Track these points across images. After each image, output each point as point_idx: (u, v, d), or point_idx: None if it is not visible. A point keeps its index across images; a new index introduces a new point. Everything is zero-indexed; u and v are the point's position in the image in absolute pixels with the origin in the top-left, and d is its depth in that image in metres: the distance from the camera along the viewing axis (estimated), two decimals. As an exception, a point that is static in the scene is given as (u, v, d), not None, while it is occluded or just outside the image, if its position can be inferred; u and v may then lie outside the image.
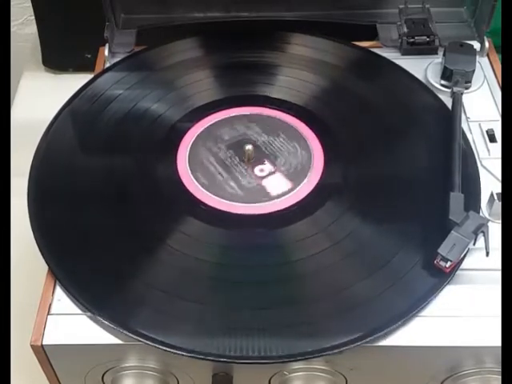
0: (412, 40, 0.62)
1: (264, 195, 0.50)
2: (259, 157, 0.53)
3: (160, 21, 0.66)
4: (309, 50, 0.62)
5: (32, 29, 0.82)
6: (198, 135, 0.55)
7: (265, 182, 0.51)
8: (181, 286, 0.45)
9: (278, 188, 0.50)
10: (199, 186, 0.51)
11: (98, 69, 0.61)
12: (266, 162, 0.52)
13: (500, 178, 0.51)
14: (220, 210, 0.49)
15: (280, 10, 0.65)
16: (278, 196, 0.50)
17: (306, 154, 0.53)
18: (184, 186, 0.51)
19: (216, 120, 0.56)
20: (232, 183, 0.51)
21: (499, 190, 0.49)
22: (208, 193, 0.50)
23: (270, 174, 0.51)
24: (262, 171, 0.52)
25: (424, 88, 0.58)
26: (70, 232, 0.48)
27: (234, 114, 0.56)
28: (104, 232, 0.48)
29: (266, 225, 0.49)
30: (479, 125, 0.55)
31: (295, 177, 0.51)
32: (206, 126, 0.55)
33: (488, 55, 0.62)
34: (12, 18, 0.87)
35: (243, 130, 0.55)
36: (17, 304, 0.53)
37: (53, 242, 0.47)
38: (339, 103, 0.57)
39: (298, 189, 0.50)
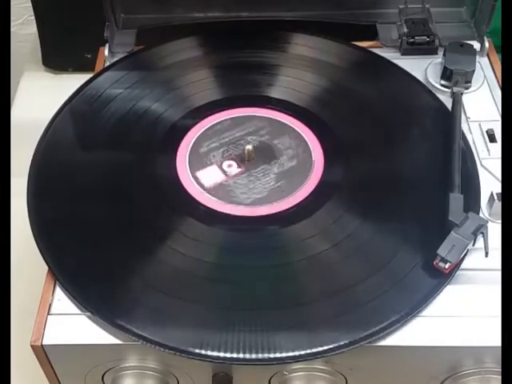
0: (412, 40, 0.62)
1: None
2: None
3: (160, 21, 0.66)
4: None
5: (32, 29, 0.82)
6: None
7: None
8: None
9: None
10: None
11: (98, 69, 0.61)
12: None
13: (500, 178, 0.51)
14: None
15: (280, 10, 0.65)
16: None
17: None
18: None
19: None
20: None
21: (499, 190, 0.49)
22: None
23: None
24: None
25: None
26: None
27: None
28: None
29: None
30: (479, 125, 0.55)
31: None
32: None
33: (488, 55, 0.61)
34: (12, 18, 0.87)
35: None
36: (17, 304, 0.53)
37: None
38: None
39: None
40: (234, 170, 0.52)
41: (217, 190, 0.50)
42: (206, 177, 0.51)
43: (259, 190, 0.50)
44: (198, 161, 0.53)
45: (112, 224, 0.49)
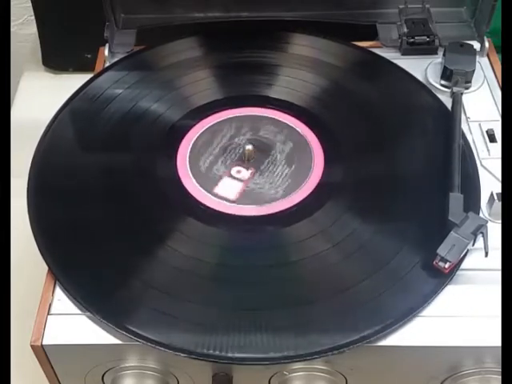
0: (412, 40, 0.62)
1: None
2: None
3: (160, 21, 0.66)
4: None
5: (32, 29, 0.82)
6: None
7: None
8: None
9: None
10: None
11: (98, 69, 0.61)
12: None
13: (500, 178, 0.51)
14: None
15: (280, 10, 0.65)
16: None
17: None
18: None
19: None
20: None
21: (499, 190, 0.49)
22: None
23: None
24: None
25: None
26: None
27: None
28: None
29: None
30: (479, 125, 0.55)
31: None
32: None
33: (488, 55, 0.62)
34: (12, 18, 0.87)
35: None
36: (17, 304, 0.53)
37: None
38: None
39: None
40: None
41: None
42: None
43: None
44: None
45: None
